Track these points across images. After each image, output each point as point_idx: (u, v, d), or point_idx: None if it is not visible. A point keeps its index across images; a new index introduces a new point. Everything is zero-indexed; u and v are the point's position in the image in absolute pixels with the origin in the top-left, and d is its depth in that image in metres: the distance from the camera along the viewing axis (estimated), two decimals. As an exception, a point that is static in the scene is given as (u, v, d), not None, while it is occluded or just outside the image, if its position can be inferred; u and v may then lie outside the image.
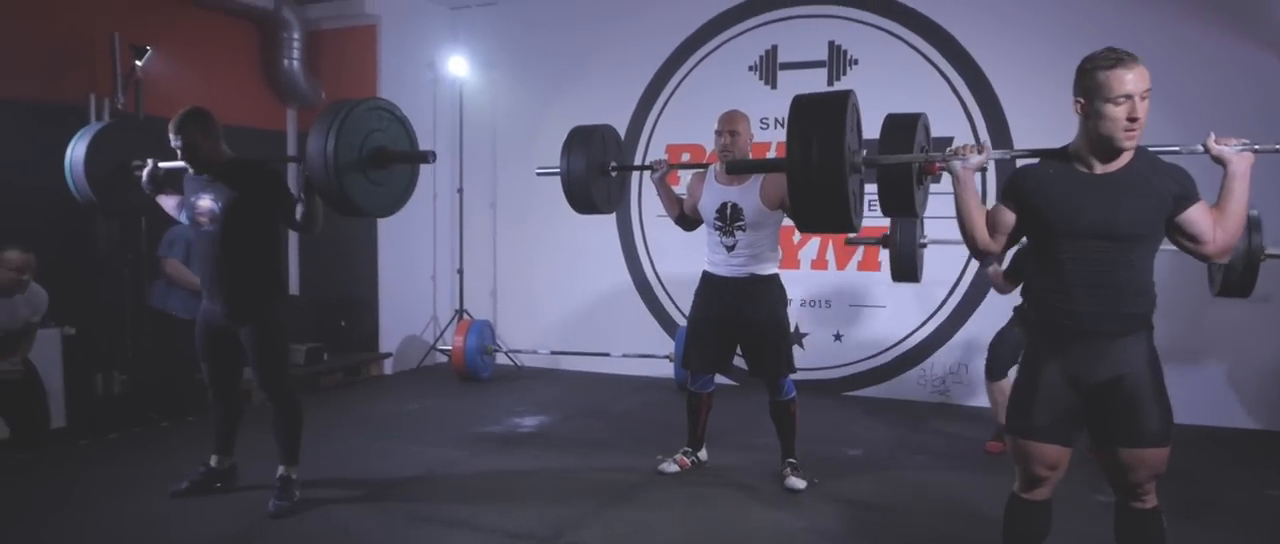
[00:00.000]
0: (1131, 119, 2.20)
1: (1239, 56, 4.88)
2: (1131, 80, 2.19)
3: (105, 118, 4.89)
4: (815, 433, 4.44)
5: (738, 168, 3.69)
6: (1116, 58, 2.22)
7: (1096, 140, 2.29)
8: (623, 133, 6.30)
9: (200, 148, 3.36)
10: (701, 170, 4.02)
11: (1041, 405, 2.37)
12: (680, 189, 4.29)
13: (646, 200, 6.33)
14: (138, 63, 5.00)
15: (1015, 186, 2.43)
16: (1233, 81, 4.87)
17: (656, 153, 6.28)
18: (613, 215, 6.27)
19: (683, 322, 5.92)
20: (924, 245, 4.39)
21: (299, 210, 3.38)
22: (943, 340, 5.66)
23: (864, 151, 2.70)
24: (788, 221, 3.83)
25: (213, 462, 3.70)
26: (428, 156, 3.36)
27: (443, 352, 6.60)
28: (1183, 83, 4.77)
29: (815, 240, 5.88)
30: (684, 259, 5.77)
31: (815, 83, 5.82)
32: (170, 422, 4.88)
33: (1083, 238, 2.31)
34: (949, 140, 5.45)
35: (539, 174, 4.27)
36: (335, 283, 6.59)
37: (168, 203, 3.71)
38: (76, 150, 3.60)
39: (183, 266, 4.86)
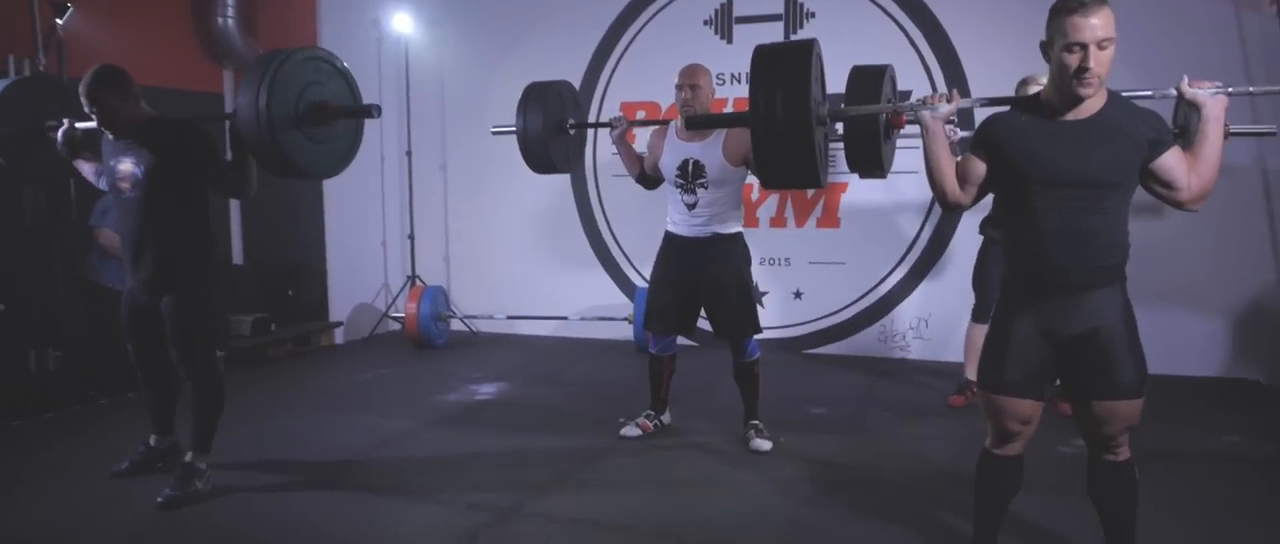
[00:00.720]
0: (1083, 68, 2.14)
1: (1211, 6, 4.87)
2: (1087, 27, 2.13)
3: (26, 74, 4.61)
4: (778, 393, 4.40)
5: (698, 123, 3.57)
6: (1078, 4, 2.14)
7: (1058, 85, 2.23)
8: (576, 90, 6.15)
9: (118, 111, 3.08)
10: (661, 126, 3.90)
11: (1014, 360, 2.32)
12: (639, 147, 4.17)
13: (603, 160, 6.19)
14: (58, 21, 4.70)
15: (986, 135, 2.36)
16: (1201, 30, 4.86)
17: (611, 112, 6.12)
18: (566, 177, 6.16)
19: (641, 283, 5.84)
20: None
21: (229, 173, 3.13)
22: (903, 295, 5.64)
23: (827, 104, 2.61)
24: (751, 178, 3.74)
25: (152, 441, 3.50)
26: (372, 110, 3.12)
27: (395, 319, 6.43)
28: (1150, 33, 4.76)
29: (774, 197, 5.80)
30: (641, 219, 5.68)
31: (772, 36, 5.70)
32: (109, 398, 4.67)
33: (1055, 186, 2.25)
34: (908, 94, 5.40)
35: (494, 132, 4.13)
36: (281, 250, 6.35)
37: (86, 168, 3.45)
38: None
39: (116, 235, 4.61)
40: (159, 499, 3.12)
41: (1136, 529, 2.40)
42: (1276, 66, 4.58)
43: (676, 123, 3.75)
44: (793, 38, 5.67)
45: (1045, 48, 2.23)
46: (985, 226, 4.29)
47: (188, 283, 3.21)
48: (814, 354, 5.77)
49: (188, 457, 3.25)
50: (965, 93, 5.32)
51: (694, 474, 3.50)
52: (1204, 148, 2.25)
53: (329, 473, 3.51)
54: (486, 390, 4.91)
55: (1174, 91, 2.34)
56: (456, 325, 6.49)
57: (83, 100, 3.06)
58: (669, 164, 3.72)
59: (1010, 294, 2.40)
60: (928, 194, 5.47)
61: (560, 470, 3.52)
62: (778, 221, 5.84)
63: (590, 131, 6.11)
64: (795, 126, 2.37)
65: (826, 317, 5.80)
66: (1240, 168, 4.69)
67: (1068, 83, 2.18)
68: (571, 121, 4.06)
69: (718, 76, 5.75)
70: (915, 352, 5.58)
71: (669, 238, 3.82)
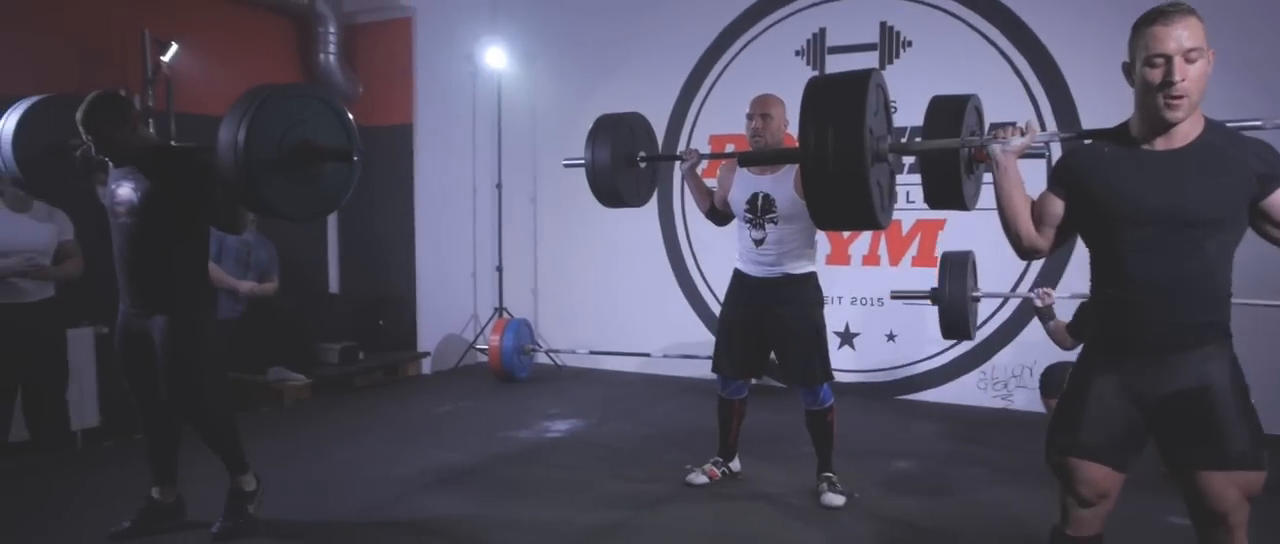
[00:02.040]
0: (1167, 81, 1.85)
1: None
2: (1170, 37, 1.85)
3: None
4: (861, 441, 4.14)
5: (754, 159, 3.42)
6: (1158, 12, 1.88)
7: (1143, 110, 1.95)
8: (664, 124, 6.08)
9: (113, 139, 2.97)
10: (731, 160, 3.75)
11: (1093, 421, 2.03)
12: (712, 182, 4.03)
13: (688, 198, 6.05)
14: (164, 59, 4.94)
15: (1066, 168, 2.10)
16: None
17: (700, 144, 6.02)
18: (655, 211, 6.07)
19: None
20: (978, 299, 4.02)
21: (222, 206, 3.03)
22: (1007, 339, 5.27)
23: (890, 139, 2.40)
24: None
25: (155, 494, 3.22)
26: (349, 154, 2.87)
27: (481, 351, 6.44)
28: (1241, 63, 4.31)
29: (867, 235, 5.53)
30: (728, 255, 5.49)
31: (866, 65, 5.45)
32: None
33: (1144, 225, 1.96)
34: (1010, 125, 5.07)
35: (566, 165, 4.08)
36: (373, 281, 6.48)
37: (104, 195, 3.42)
38: (6, 124, 3.32)
39: (213, 265, 4.77)
40: (213, 531, 3.11)
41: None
42: None
43: None
44: (887, 68, 5.42)
45: (1128, 70, 1.97)
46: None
47: (182, 311, 3.07)
48: (906, 400, 5.44)
49: (233, 481, 3.19)
50: (1075, 123, 4.97)
51: (756, 529, 3.29)
52: None
53: (383, 510, 3.47)
54: (559, 428, 4.82)
55: None
56: (541, 359, 6.45)
57: (79, 129, 2.99)
58: (738, 198, 3.57)
59: (1094, 349, 2.12)
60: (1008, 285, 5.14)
61: (619, 516, 3.37)
62: (871, 260, 5.56)
63: (675, 165, 6.02)
64: (847, 163, 2.17)
65: (921, 361, 5.47)
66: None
67: (1154, 104, 1.90)
68: (642, 155, 3.95)
69: (808, 108, 5.57)
70: (1018, 402, 5.18)
71: (738, 277, 3.66)
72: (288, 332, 5.50)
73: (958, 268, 3.87)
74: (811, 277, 3.53)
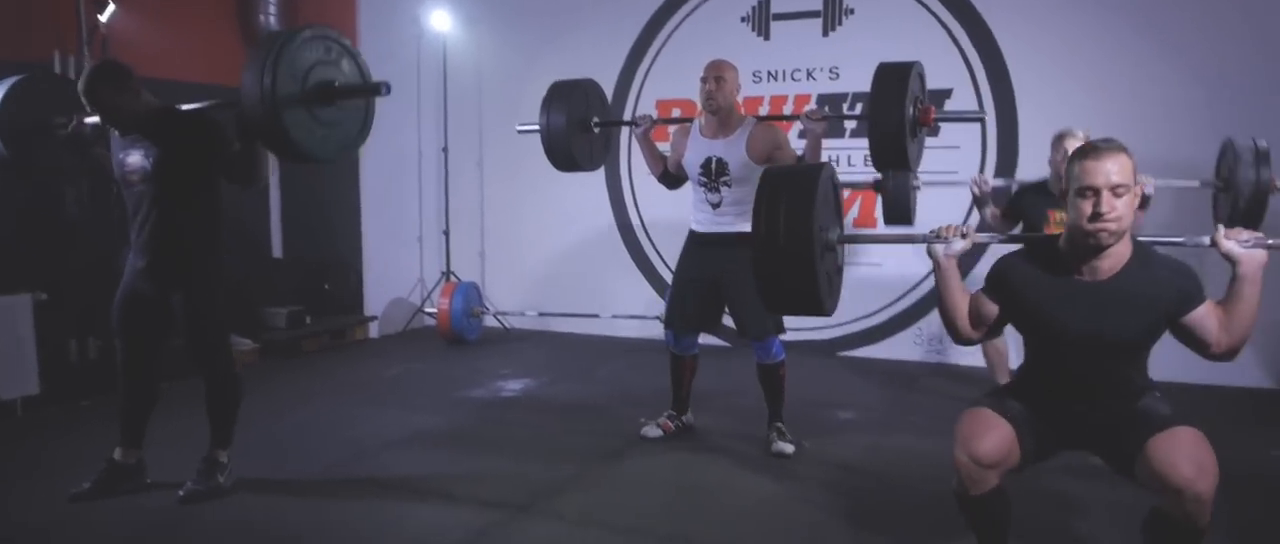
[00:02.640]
0: (1096, 213, 2.04)
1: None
2: (1099, 172, 2.05)
3: (71, 76, 4.72)
4: (805, 395, 4.32)
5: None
6: (1089, 148, 2.09)
7: (1073, 236, 2.15)
8: (611, 88, 6.12)
9: (119, 108, 2.98)
10: (684, 124, 3.85)
11: (1013, 404, 2.27)
12: (664, 146, 4.13)
13: (637, 158, 6.14)
14: (101, 18, 4.80)
15: (1000, 282, 2.30)
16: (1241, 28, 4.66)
17: (646, 109, 6.09)
18: (602, 174, 6.13)
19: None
20: (917, 188, 4.23)
21: (238, 161, 3.03)
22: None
23: (839, 231, 2.54)
24: None
25: (117, 455, 3.24)
26: (380, 88, 2.92)
27: (429, 314, 6.46)
28: (1192, 28, 4.59)
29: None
30: (675, 218, 5.60)
31: (810, 33, 5.62)
32: (145, 388, 4.76)
33: (1070, 346, 2.19)
34: (948, 92, 5.28)
35: (520, 131, 4.14)
36: (318, 245, 6.42)
37: (105, 163, 3.43)
38: None
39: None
40: (180, 493, 3.13)
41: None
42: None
43: (699, 121, 3.70)
44: (830, 35, 5.57)
45: (1063, 193, 2.17)
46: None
47: (201, 275, 3.14)
48: (848, 357, 5.66)
49: (208, 451, 3.23)
50: (1008, 91, 5.19)
51: (711, 476, 3.44)
52: (1238, 306, 2.12)
53: (345, 467, 3.52)
54: (513, 387, 4.90)
55: (1207, 241, 2.18)
56: (490, 321, 6.51)
57: (82, 99, 2.98)
58: (692, 162, 3.67)
59: (1024, 392, 2.33)
60: (967, 196, 5.36)
61: (576, 469, 3.49)
62: (813, 222, 5.74)
63: (625, 130, 6.09)
64: (797, 253, 2.29)
65: (862, 319, 5.69)
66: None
67: (1083, 231, 2.09)
68: (596, 120, 4.03)
69: (754, 74, 5.71)
70: (952, 356, 5.44)
71: (693, 236, 3.77)
72: (232, 296, 5.44)
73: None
74: None
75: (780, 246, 2.30)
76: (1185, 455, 2.03)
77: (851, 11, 5.54)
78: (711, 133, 3.64)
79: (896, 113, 3.01)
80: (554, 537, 2.87)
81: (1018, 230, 4.04)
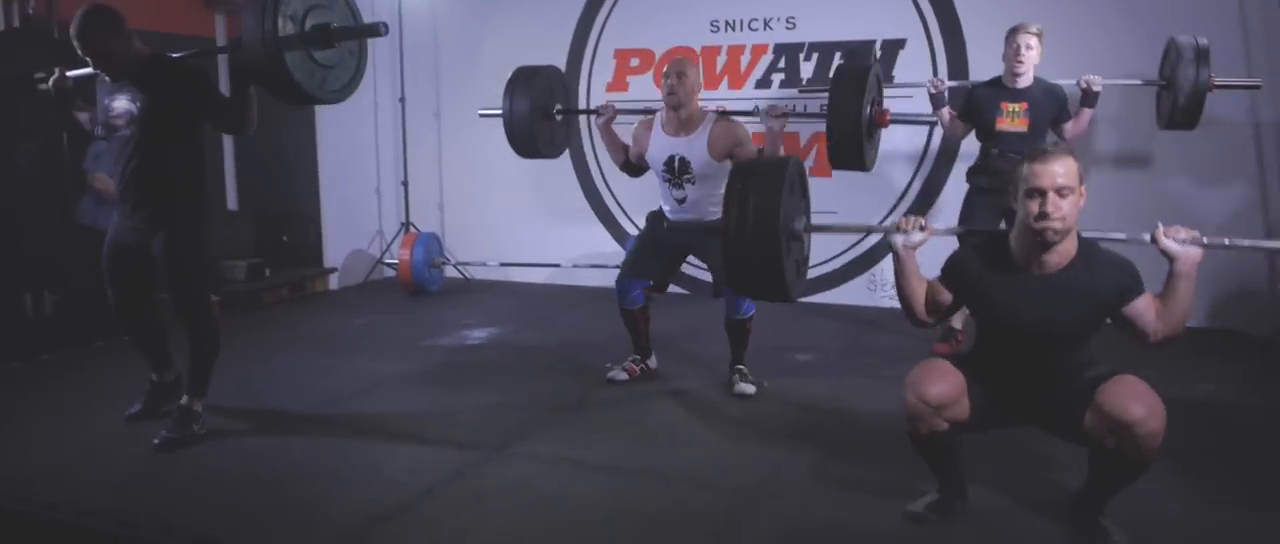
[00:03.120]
0: (1042, 213, 2.20)
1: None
2: (1046, 174, 2.20)
3: (15, 25, 4.59)
4: (765, 340, 4.43)
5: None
6: (1038, 153, 2.26)
7: (1022, 235, 2.30)
8: (569, 37, 6.13)
9: (112, 52, 3.02)
10: (647, 118, 3.89)
11: (973, 380, 2.43)
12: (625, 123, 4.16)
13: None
14: (48, -36, 4.67)
15: (955, 274, 2.46)
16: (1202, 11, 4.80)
17: (606, 58, 6.12)
18: (563, 124, 6.13)
19: (634, 231, 5.87)
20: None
21: (229, 108, 3.11)
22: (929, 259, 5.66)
23: (805, 220, 2.67)
24: None
25: (154, 377, 3.47)
26: (378, 28, 3.01)
27: (389, 265, 6.47)
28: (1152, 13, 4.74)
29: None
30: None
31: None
32: (105, 341, 4.73)
33: (1020, 335, 2.35)
34: (901, 42, 5.39)
35: (481, 115, 4.21)
36: (275, 197, 6.38)
37: (83, 117, 3.46)
38: None
39: (110, 180, 4.65)
40: (155, 441, 3.17)
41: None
42: (1277, 47, 4.55)
43: (661, 115, 3.76)
44: (787, -16, 5.63)
45: (1013, 197, 2.32)
46: (971, 175, 4.31)
47: (184, 223, 3.17)
48: (804, 303, 5.81)
49: (183, 400, 3.28)
50: (960, 44, 5.30)
51: (677, 417, 3.57)
52: (1173, 301, 2.29)
53: (319, 415, 3.58)
54: (478, 336, 4.97)
55: (1147, 238, 2.35)
56: (450, 272, 6.53)
57: (75, 44, 3.01)
58: (655, 158, 3.77)
59: (976, 370, 2.46)
60: (919, 144, 5.52)
61: (547, 413, 3.59)
62: (770, 171, 5.84)
63: (584, 77, 6.12)
64: (764, 243, 2.46)
65: (816, 266, 5.81)
66: (1231, 121, 4.68)
67: (1030, 230, 2.25)
68: (558, 108, 4.08)
69: (711, 24, 5.77)
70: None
71: (661, 216, 3.88)
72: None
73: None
74: None
75: (748, 237, 2.46)
76: (1134, 397, 2.22)
77: (810, -37, 5.59)
78: (673, 130, 3.71)
79: (853, 115, 3.12)
80: (528, 475, 2.97)
81: (971, 130, 4.27)
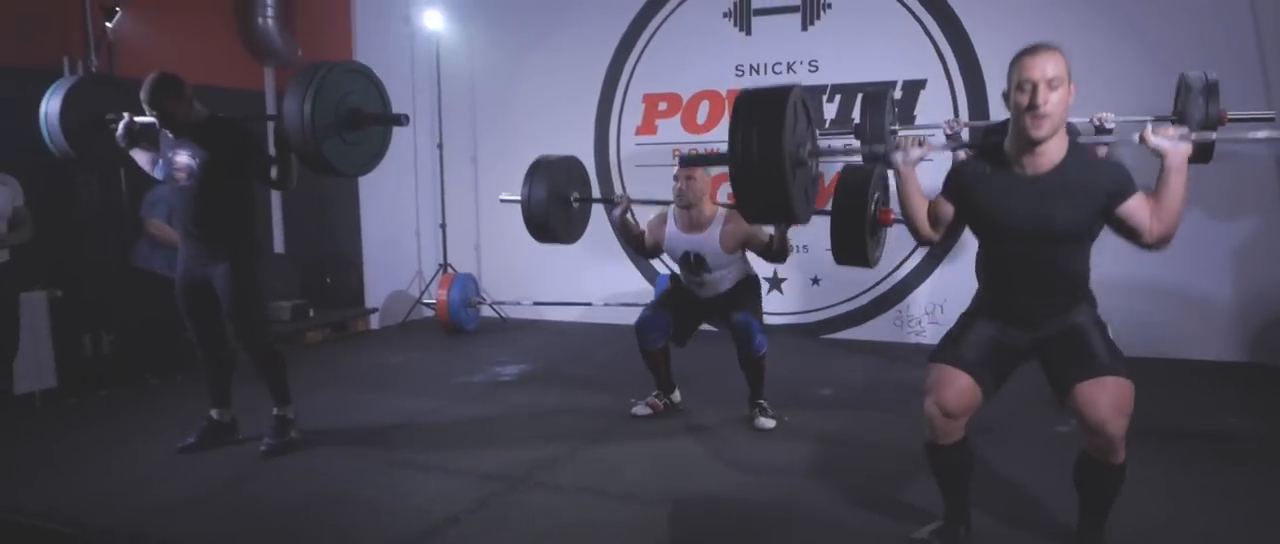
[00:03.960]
0: (1032, 104, 2.24)
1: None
2: (1036, 66, 2.24)
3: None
4: (789, 375, 4.55)
5: (690, 161, 3.78)
6: (1028, 47, 2.29)
7: (1015, 132, 2.34)
8: (600, 82, 6.35)
9: (176, 114, 3.44)
10: (661, 212, 4.08)
11: (969, 344, 2.47)
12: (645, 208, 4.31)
13: (625, 152, 6.37)
14: (108, 24, 5.00)
15: (956, 183, 2.51)
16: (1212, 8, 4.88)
17: (634, 103, 6.31)
18: (592, 166, 6.30)
19: (662, 270, 6.02)
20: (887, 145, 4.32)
21: (274, 168, 3.47)
22: (919, 280, 5.74)
23: (810, 145, 2.71)
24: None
25: (214, 414, 3.77)
26: (401, 119, 3.42)
27: (428, 306, 6.68)
28: (1159, 11, 4.85)
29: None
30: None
31: (789, 28, 5.82)
32: (159, 379, 4.99)
33: (1015, 238, 2.38)
34: (922, 83, 5.50)
35: (503, 200, 4.39)
36: (319, 241, 6.65)
37: (141, 158, 3.77)
38: (50, 104, 3.68)
39: (166, 226, 4.94)
40: (261, 448, 3.60)
41: (1111, 508, 2.49)
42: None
43: (674, 210, 3.96)
44: (809, 29, 5.78)
45: (1006, 97, 2.34)
46: None
47: (240, 258, 3.55)
48: (830, 339, 5.89)
49: (275, 411, 3.69)
50: (979, 82, 5.41)
51: (697, 450, 3.67)
52: (1165, 195, 2.31)
53: (354, 446, 3.76)
54: (510, 372, 5.13)
55: (1136, 138, 2.36)
56: (486, 311, 6.73)
57: (145, 107, 3.43)
58: (672, 251, 3.97)
59: (979, 305, 2.54)
60: (936, 183, 5.57)
61: (570, 445, 3.71)
62: (796, 209, 5.96)
63: (615, 120, 6.31)
64: (768, 166, 2.49)
65: (843, 302, 5.92)
66: (1253, 155, 4.71)
67: (1022, 123, 2.28)
68: (576, 196, 4.26)
69: (736, 68, 5.95)
70: (929, 336, 5.67)
71: (682, 286, 4.05)
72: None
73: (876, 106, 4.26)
74: (748, 277, 3.97)
75: (754, 166, 2.49)
76: (1106, 400, 2.27)
77: (829, 6, 5.75)
78: (686, 227, 3.90)
79: (857, 218, 3.20)
80: (550, 504, 3.10)
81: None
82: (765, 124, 2.48)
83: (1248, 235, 4.92)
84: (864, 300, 5.88)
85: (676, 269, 4.02)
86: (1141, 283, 4.97)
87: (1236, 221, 4.91)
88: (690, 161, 3.88)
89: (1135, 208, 2.32)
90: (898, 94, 5.49)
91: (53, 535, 2.93)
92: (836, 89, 5.74)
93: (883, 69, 5.56)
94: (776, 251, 3.82)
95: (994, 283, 2.48)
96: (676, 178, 3.89)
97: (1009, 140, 2.38)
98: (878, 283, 5.82)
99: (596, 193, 4.61)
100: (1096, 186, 2.31)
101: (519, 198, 4.08)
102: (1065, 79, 2.26)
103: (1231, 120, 3.87)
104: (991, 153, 2.45)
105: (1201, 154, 3.92)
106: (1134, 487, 2.70)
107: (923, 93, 5.51)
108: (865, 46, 5.64)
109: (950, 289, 5.55)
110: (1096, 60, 5.01)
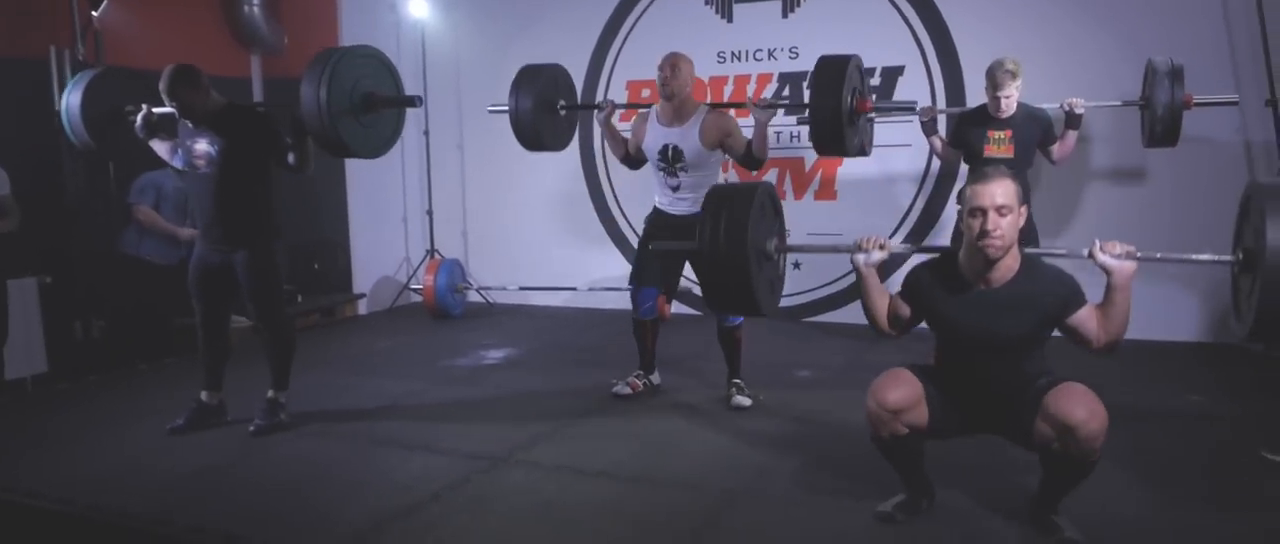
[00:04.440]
0: (983, 231, 2.39)
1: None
2: (986, 194, 2.39)
3: (67, 70, 4.96)
4: (768, 357, 4.65)
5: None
6: (979, 175, 2.46)
7: (968, 251, 2.50)
8: (583, 70, 6.41)
9: (194, 104, 3.54)
10: (644, 111, 4.14)
11: (934, 388, 2.62)
12: (626, 126, 4.42)
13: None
14: (94, 13, 5.04)
15: (913, 291, 2.69)
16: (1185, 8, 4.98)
17: (618, 90, 6.38)
18: (577, 153, 6.41)
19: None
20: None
21: (290, 153, 3.58)
22: (898, 263, 5.81)
23: (777, 240, 2.89)
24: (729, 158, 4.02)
25: (204, 397, 3.86)
26: (414, 100, 3.58)
27: (415, 291, 6.76)
28: (1136, 11, 4.98)
29: (772, 170, 5.99)
30: (647, 196, 5.86)
31: (770, 16, 5.90)
32: (148, 364, 5.06)
33: (970, 346, 2.55)
34: (900, 69, 5.59)
35: (491, 111, 4.43)
36: (307, 227, 6.68)
37: (160, 147, 3.86)
38: (71, 98, 3.79)
39: (153, 213, 5.01)
40: (251, 429, 3.69)
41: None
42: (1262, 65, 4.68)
43: (657, 108, 4.00)
44: (789, 17, 5.86)
45: (960, 216, 2.54)
46: (961, 199, 4.47)
47: (261, 243, 3.68)
48: (810, 322, 5.99)
49: (269, 393, 3.78)
50: (956, 69, 5.49)
51: (675, 428, 3.77)
52: (1112, 310, 2.45)
53: (340, 426, 3.85)
54: (495, 356, 5.22)
55: (1085, 253, 2.50)
56: (473, 297, 6.81)
57: (164, 98, 3.51)
58: (650, 148, 3.98)
59: (939, 376, 2.66)
60: (920, 166, 5.68)
61: (552, 425, 3.81)
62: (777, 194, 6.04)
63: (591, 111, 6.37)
64: (735, 262, 2.67)
65: (824, 286, 6.01)
66: (1221, 140, 4.81)
67: (975, 246, 2.44)
68: (562, 103, 4.32)
69: (718, 55, 6.02)
70: (908, 319, 5.77)
71: (659, 214, 4.09)
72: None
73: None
74: None
75: (720, 258, 2.68)
76: (1078, 401, 2.39)
77: (809, -6, 5.83)
78: (667, 120, 3.94)
79: (833, 101, 3.32)
80: (529, 481, 3.20)
81: (961, 156, 4.45)
82: (733, 217, 2.66)
83: (1215, 219, 4.99)
84: (843, 284, 5.96)
85: (656, 166, 4.01)
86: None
87: (1205, 205, 5.00)
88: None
89: (1084, 319, 2.48)
90: (876, 81, 5.57)
91: (44, 513, 3.01)
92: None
93: (862, 55, 5.57)
94: (755, 155, 3.84)
95: (949, 373, 2.64)
96: (661, 67, 3.93)
97: (963, 257, 2.54)
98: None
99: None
100: (1045, 301, 2.47)
101: (506, 107, 4.17)
102: (1015, 205, 2.42)
103: (1197, 104, 3.98)
104: (945, 263, 2.61)
105: (1168, 136, 4.03)
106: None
107: (900, 79, 5.59)
108: (844, 33, 5.69)
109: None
110: (1068, 45, 5.13)
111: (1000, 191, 2.41)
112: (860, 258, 2.73)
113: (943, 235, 5.54)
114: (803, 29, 5.81)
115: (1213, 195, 4.98)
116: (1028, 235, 2.59)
